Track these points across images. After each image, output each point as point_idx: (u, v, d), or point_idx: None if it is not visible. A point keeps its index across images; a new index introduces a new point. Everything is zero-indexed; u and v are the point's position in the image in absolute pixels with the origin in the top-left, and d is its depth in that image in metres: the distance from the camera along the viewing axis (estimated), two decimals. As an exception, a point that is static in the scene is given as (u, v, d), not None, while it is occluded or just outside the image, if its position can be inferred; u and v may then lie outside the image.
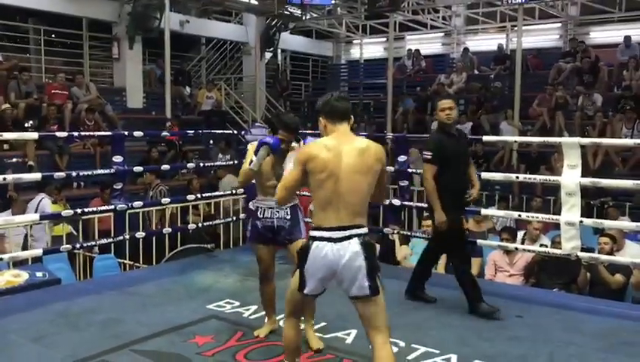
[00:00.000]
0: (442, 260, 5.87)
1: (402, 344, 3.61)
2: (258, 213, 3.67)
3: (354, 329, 3.73)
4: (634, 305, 5.03)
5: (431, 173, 4.23)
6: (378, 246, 6.25)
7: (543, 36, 14.54)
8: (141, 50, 12.28)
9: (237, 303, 4.36)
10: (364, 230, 2.71)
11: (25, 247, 5.65)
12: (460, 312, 4.25)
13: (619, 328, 4.02)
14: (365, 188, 2.72)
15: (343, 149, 2.71)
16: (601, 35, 13.87)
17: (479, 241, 5.38)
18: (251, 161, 3.40)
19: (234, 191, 6.54)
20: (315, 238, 2.70)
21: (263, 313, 4.08)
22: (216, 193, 7.11)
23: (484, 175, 5.47)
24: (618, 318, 4.20)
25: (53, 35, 12.61)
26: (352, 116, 2.85)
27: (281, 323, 3.55)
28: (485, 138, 6.57)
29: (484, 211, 5.71)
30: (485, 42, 15.15)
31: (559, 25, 14.47)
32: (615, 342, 3.77)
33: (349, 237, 2.66)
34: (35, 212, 6.58)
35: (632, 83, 11.04)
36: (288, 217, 3.63)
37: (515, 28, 12.84)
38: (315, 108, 2.99)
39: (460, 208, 4.39)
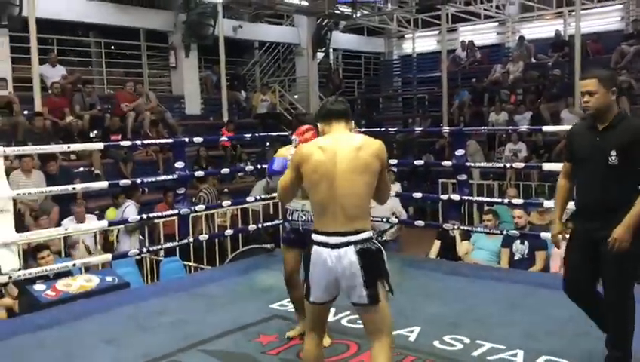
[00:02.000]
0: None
1: (467, 340, 3.57)
2: (287, 215, 3.71)
3: (417, 327, 3.73)
4: None
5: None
6: (438, 243, 6.26)
7: (602, 19, 13.99)
8: (197, 57, 12.60)
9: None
10: (364, 235, 2.57)
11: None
12: (525, 308, 4.17)
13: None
14: (363, 189, 2.59)
15: (337, 149, 2.60)
16: (665, 14, 13.26)
17: (543, 234, 5.25)
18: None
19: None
20: (314, 243, 2.62)
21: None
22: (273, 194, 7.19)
23: (546, 166, 5.35)
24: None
25: (112, 47, 13.05)
26: (349, 117, 2.78)
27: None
28: (545, 128, 6.40)
29: (546, 203, 5.56)
30: (542, 29, 14.69)
31: (620, 6, 13.90)
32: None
33: (346, 244, 2.54)
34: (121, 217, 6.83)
35: (702, 63, 10.53)
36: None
37: (573, 13, 12.44)
38: (315, 120, 3.00)
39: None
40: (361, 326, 2.77)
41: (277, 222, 6.63)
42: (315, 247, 2.60)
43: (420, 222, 6.34)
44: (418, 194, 6.32)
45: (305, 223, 3.57)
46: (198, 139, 5.85)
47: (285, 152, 3.73)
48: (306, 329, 2.79)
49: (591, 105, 2.99)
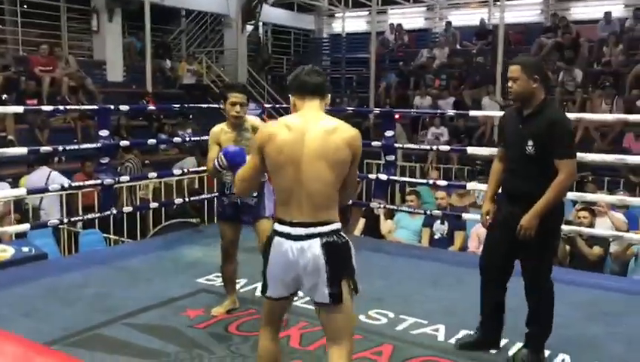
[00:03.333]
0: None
1: (391, 315, 3.70)
2: (225, 188, 3.66)
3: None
4: (612, 276, 5.18)
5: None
6: (363, 221, 6.38)
7: (525, 11, 14.57)
8: (120, 22, 12.08)
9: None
10: (331, 227, 2.31)
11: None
12: (446, 285, 4.35)
13: (598, 298, 4.15)
14: (331, 176, 2.30)
15: (307, 129, 2.31)
16: (581, 10, 13.93)
17: (464, 215, 5.48)
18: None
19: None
20: (276, 233, 2.36)
21: (254, 286, 4.14)
22: (201, 168, 7.07)
23: (470, 149, 5.55)
24: (598, 289, 4.34)
25: (25, 6, 12.27)
26: (326, 92, 2.45)
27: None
28: (472, 113, 6.63)
29: (468, 185, 5.80)
30: (468, 17, 15.11)
31: (541, 0, 14.51)
32: (595, 312, 3.90)
33: (311, 237, 2.29)
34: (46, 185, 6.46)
35: (612, 59, 11.18)
36: (254, 194, 3.59)
37: (498, 2, 12.85)
38: (287, 85, 2.93)
39: None
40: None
41: (204, 196, 6.56)
42: (276, 238, 2.34)
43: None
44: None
45: (244, 197, 3.55)
46: (124, 108, 5.66)
47: (219, 132, 3.63)
48: (261, 323, 2.54)
49: (512, 90, 3.11)
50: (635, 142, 9.05)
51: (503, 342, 3.36)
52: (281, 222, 2.35)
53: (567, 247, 5.38)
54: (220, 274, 4.41)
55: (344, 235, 2.36)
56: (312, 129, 2.32)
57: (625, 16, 12.54)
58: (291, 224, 2.32)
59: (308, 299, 3.58)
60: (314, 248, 2.28)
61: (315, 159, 2.29)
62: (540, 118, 3.03)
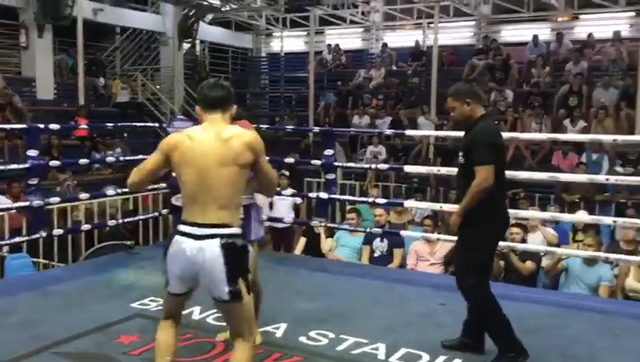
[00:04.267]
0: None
1: (332, 335, 3.67)
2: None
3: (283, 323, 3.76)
4: (544, 290, 5.35)
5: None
6: (303, 240, 6.36)
7: (457, 33, 15.04)
8: (51, 38, 11.70)
9: (161, 301, 4.26)
10: (230, 230, 2.49)
11: None
12: (386, 303, 4.37)
13: (533, 312, 4.25)
14: (230, 181, 2.50)
15: (205, 139, 2.53)
16: (511, 33, 14.51)
17: (402, 232, 5.54)
18: None
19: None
20: (178, 232, 2.55)
21: (191, 309, 4.02)
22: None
23: (407, 168, 5.64)
24: (531, 303, 4.45)
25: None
26: (228, 105, 2.62)
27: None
28: (408, 132, 6.76)
29: (406, 203, 5.87)
30: (403, 38, 15.48)
31: (473, 23, 15.01)
32: (529, 326, 3.99)
33: (210, 237, 2.46)
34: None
35: (540, 80, 11.66)
36: (241, 216, 3.27)
37: (432, 25, 13.22)
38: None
39: None
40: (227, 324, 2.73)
41: (137, 218, 6.38)
42: (176, 237, 2.53)
43: (288, 219, 6.41)
44: (288, 192, 6.39)
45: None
46: (54, 126, 5.45)
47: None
48: (161, 316, 2.73)
49: (454, 118, 3.52)
50: (562, 160, 9.44)
51: (440, 359, 3.39)
52: (184, 223, 2.54)
53: (502, 262, 5.52)
54: (155, 299, 4.29)
55: (243, 240, 2.56)
56: (210, 138, 2.53)
57: (551, 39, 13.15)
58: (192, 224, 2.50)
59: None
60: (213, 248, 2.45)
61: (216, 165, 2.48)
62: (471, 132, 3.39)
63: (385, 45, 14.70)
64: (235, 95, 2.71)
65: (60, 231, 5.46)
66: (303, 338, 3.62)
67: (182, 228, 2.53)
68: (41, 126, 5.37)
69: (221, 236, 2.46)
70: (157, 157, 2.63)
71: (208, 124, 2.59)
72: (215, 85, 2.66)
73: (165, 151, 2.59)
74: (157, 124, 7.08)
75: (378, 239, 5.93)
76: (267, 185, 2.77)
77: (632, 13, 13.07)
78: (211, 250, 2.44)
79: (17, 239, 5.09)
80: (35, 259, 5.77)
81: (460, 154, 3.39)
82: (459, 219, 3.35)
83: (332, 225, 6.08)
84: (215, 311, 3.80)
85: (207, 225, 2.47)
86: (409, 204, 5.80)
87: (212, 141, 2.51)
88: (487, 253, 3.48)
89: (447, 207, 5.55)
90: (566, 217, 5.61)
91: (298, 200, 7.27)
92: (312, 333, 3.70)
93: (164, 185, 6.11)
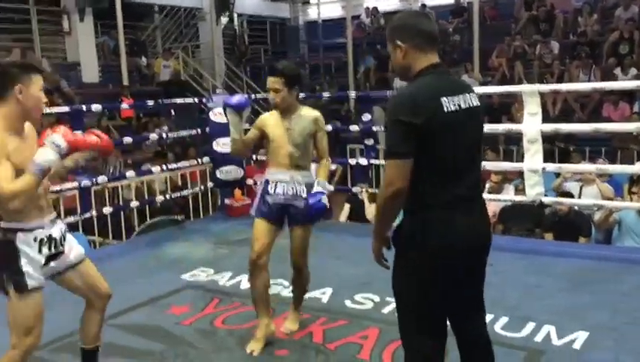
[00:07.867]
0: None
1: (377, 298, 3.69)
2: (269, 187, 3.12)
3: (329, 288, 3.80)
4: (596, 245, 5.21)
5: None
6: (347, 207, 6.35)
7: (499, -14, 14.53)
8: (92, 21, 11.91)
9: (211, 271, 4.38)
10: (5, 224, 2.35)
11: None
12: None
13: (582, 268, 4.17)
14: None
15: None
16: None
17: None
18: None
19: (200, 161, 6.48)
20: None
21: (239, 278, 4.12)
22: (183, 164, 7.01)
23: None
24: (582, 259, 4.36)
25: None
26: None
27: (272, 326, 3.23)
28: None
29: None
30: (442, -5, 15.07)
31: (514, -26, 14.47)
32: (580, 281, 3.92)
33: None
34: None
35: (587, 29, 11.19)
36: (304, 195, 3.05)
37: (471, -21, 12.79)
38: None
39: None
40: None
41: (185, 192, 6.51)
42: None
43: (329, 187, 6.41)
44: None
45: (292, 198, 3.08)
46: (97, 107, 5.58)
47: (267, 117, 3.21)
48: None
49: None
50: (613, 111, 9.08)
51: (489, 317, 3.36)
52: None
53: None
54: (204, 269, 4.41)
55: (10, 236, 2.35)
56: None
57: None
58: None
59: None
60: None
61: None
62: None
63: (424, 5, 14.34)
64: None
65: (110, 209, 5.62)
66: (348, 302, 3.66)
67: None
68: (83, 107, 5.51)
69: None
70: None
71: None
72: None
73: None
74: (197, 100, 7.13)
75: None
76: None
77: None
78: None
79: (70, 218, 5.26)
80: (90, 237, 5.99)
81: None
82: (377, 244, 2.23)
83: (375, 191, 6.05)
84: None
85: None
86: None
87: None
88: (425, 299, 2.12)
89: (488, 165, 5.45)
90: (617, 169, 5.41)
91: (332, 166, 7.24)
92: (358, 297, 3.73)
93: (207, 158, 6.20)
